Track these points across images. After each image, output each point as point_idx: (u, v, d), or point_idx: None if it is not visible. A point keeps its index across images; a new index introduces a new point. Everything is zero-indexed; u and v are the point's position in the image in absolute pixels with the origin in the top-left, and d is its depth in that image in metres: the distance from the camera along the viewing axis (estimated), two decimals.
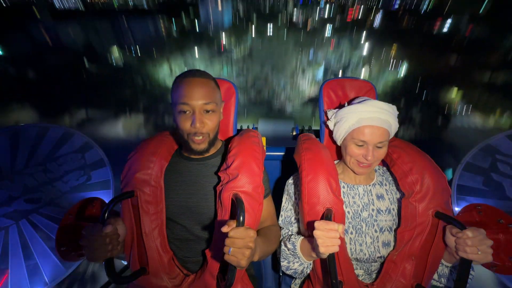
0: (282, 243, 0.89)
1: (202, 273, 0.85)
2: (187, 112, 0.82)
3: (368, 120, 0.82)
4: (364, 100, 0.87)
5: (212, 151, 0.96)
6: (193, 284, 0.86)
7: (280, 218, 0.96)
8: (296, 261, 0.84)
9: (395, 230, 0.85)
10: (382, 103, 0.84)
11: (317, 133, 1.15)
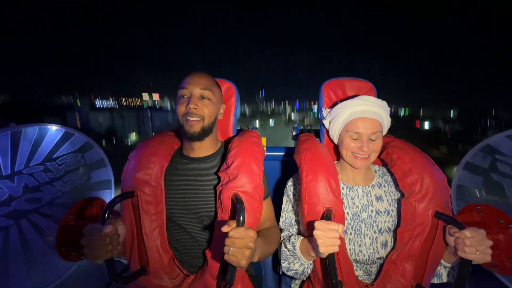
0: (282, 244, 0.89)
1: (202, 273, 0.85)
2: (185, 97, 0.88)
3: (360, 113, 0.86)
4: (357, 96, 0.91)
5: (212, 150, 0.96)
6: (193, 284, 0.86)
7: (281, 220, 0.96)
8: (296, 261, 0.84)
9: (394, 231, 0.86)
10: (372, 97, 0.88)
11: (317, 133, 1.15)
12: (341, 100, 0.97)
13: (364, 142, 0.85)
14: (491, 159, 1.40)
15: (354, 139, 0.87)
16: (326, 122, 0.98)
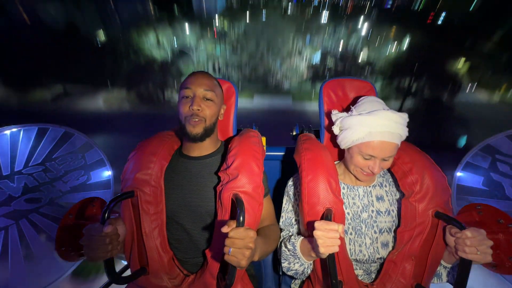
0: (282, 244, 0.89)
1: (202, 273, 0.85)
2: (188, 97, 0.88)
3: (379, 134, 0.77)
4: (375, 110, 0.80)
5: (211, 149, 0.97)
6: (193, 284, 0.86)
7: (281, 220, 0.96)
8: (297, 261, 0.84)
9: (395, 231, 0.85)
10: (394, 114, 0.78)
11: (317, 133, 1.15)
12: (353, 103, 0.93)
13: (376, 163, 0.80)
14: (491, 159, 1.40)
15: (366, 159, 0.81)
16: (335, 129, 0.89)
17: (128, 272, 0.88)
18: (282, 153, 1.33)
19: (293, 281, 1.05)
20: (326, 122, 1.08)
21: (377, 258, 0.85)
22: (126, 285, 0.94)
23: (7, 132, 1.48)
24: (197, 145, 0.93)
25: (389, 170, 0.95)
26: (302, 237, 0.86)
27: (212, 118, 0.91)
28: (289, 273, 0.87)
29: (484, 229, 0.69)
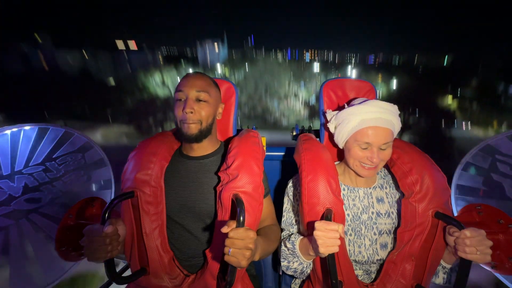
0: (282, 243, 0.89)
1: (203, 273, 0.85)
2: (181, 100, 0.87)
3: (371, 121, 0.79)
4: (365, 100, 0.85)
5: (210, 149, 0.96)
6: (193, 284, 0.86)
7: (282, 219, 0.96)
8: (296, 260, 0.84)
9: (394, 232, 0.86)
10: (384, 102, 0.82)
11: (317, 133, 1.15)
12: (348, 103, 0.95)
13: (374, 152, 0.80)
14: (491, 159, 1.40)
15: (363, 149, 0.82)
16: (331, 126, 0.92)
17: (128, 272, 0.88)
18: (282, 153, 1.33)
19: (293, 280, 1.05)
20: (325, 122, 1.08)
21: (377, 260, 0.85)
22: (126, 285, 0.94)
23: (7, 132, 1.48)
24: (196, 145, 0.93)
25: (389, 171, 0.95)
26: (301, 236, 0.86)
27: (208, 119, 0.90)
28: (288, 272, 0.87)
29: (484, 229, 0.69)
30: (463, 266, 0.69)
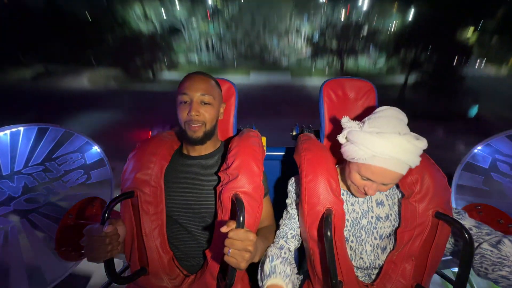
0: (260, 265, 0.80)
1: (202, 274, 0.85)
2: (186, 103, 0.87)
3: (383, 161, 0.69)
4: (387, 133, 0.70)
5: (211, 148, 0.96)
6: (193, 284, 0.86)
7: (279, 230, 0.91)
8: None
9: (394, 232, 0.85)
10: (407, 142, 0.68)
11: (317, 133, 1.15)
12: (367, 111, 0.87)
13: (373, 187, 0.75)
14: (491, 159, 1.40)
15: (363, 179, 0.76)
16: (341, 138, 0.81)
17: (128, 272, 0.88)
18: (282, 153, 1.32)
19: None
20: (328, 125, 1.08)
21: (378, 264, 0.84)
22: (126, 285, 0.94)
23: (7, 132, 1.48)
24: (198, 146, 0.93)
25: None
26: (275, 274, 0.74)
27: (212, 121, 0.91)
28: None
29: None
30: (464, 266, 0.69)
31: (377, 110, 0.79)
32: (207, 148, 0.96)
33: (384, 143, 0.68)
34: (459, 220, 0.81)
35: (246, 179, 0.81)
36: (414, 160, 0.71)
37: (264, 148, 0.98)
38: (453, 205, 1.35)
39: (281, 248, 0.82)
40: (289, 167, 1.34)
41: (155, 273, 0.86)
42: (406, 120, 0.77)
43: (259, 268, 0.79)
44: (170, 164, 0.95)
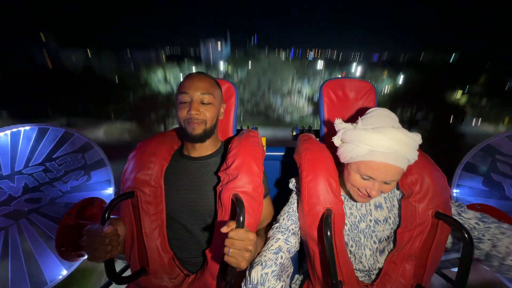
0: (247, 270, 0.73)
1: (202, 273, 0.85)
2: (186, 103, 0.87)
3: (381, 155, 0.69)
4: (382, 127, 0.70)
5: (211, 149, 0.96)
6: (193, 284, 0.86)
7: (277, 222, 0.88)
8: None
9: (394, 232, 0.85)
10: (403, 134, 0.68)
11: (317, 133, 1.15)
12: (360, 112, 0.85)
13: (375, 186, 0.73)
14: (491, 159, 1.40)
15: (364, 179, 0.74)
16: (336, 140, 0.80)
17: (128, 272, 0.88)
18: (282, 153, 1.33)
19: (293, 281, 1.05)
20: (328, 125, 1.08)
21: (378, 267, 0.84)
22: (126, 285, 0.94)
23: (7, 132, 1.49)
24: (197, 146, 0.93)
25: None
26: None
27: (213, 120, 0.91)
28: None
29: None
30: (464, 266, 0.69)
31: (368, 111, 0.80)
32: (207, 149, 0.95)
33: (381, 137, 0.68)
34: (460, 213, 0.81)
35: (246, 179, 0.81)
36: (411, 153, 0.70)
37: (264, 148, 0.98)
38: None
39: (277, 252, 0.76)
40: (289, 167, 1.34)
41: (155, 273, 0.86)
42: (397, 119, 0.78)
43: (246, 271, 0.72)
44: (170, 164, 0.95)
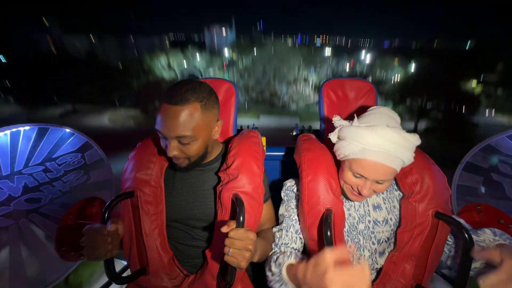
0: (267, 267, 0.79)
1: (202, 274, 0.85)
2: (164, 137, 0.77)
3: (373, 154, 0.68)
4: (375, 125, 0.69)
5: (212, 156, 0.94)
6: (193, 284, 0.86)
7: (276, 235, 0.89)
8: None
9: (394, 232, 0.85)
10: (395, 134, 0.66)
11: (317, 133, 1.15)
12: (360, 111, 0.84)
13: (366, 185, 0.72)
14: (491, 159, 1.40)
15: (356, 177, 0.74)
16: (332, 137, 0.79)
17: (128, 272, 0.88)
18: (282, 153, 1.33)
19: None
20: (328, 125, 1.08)
21: (376, 268, 0.84)
22: (126, 285, 0.94)
23: (7, 132, 1.49)
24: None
25: None
26: (291, 259, 0.75)
27: (199, 153, 0.81)
28: None
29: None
30: (464, 266, 0.69)
31: (369, 109, 0.79)
32: (208, 158, 0.92)
33: (373, 135, 0.67)
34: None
35: (246, 179, 0.81)
36: (405, 154, 0.68)
37: (264, 148, 0.98)
38: (453, 205, 1.35)
39: (285, 252, 0.82)
40: (289, 167, 1.34)
41: (155, 273, 0.86)
42: (398, 119, 0.76)
43: (267, 267, 0.79)
44: (170, 164, 0.95)
